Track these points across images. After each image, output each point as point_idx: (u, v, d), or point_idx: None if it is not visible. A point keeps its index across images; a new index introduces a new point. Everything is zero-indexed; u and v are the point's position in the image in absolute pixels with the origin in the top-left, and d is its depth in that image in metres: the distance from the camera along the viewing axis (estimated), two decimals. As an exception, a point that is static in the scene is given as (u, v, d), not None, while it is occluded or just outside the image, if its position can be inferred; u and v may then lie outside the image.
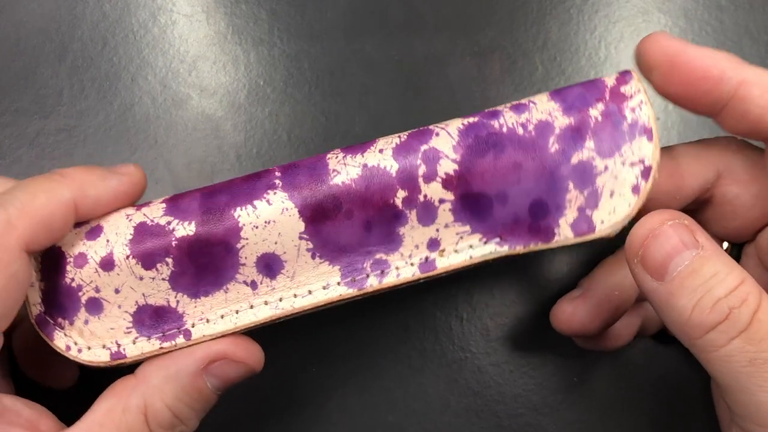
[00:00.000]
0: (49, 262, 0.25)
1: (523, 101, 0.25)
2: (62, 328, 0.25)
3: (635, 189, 0.24)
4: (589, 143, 0.24)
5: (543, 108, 0.25)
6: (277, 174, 0.25)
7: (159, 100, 0.35)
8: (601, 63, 0.35)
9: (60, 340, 0.25)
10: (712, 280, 0.22)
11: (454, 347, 0.32)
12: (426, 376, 0.32)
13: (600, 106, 0.25)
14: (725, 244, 0.29)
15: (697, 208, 0.28)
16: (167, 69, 0.35)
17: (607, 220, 0.24)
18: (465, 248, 0.26)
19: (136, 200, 0.26)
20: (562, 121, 0.25)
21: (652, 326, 0.31)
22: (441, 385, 0.32)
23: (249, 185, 0.25)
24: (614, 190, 0.24)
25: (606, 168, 0.24)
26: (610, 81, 0.25)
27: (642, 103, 0.24)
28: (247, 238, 0.25)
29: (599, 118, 0.25)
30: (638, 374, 0.32)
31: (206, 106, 0.35)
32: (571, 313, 0.29)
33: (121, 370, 0.25)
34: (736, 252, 0.29)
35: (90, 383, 0.28)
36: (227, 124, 0.34)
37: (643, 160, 0.24)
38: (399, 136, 0.25)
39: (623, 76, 0.25)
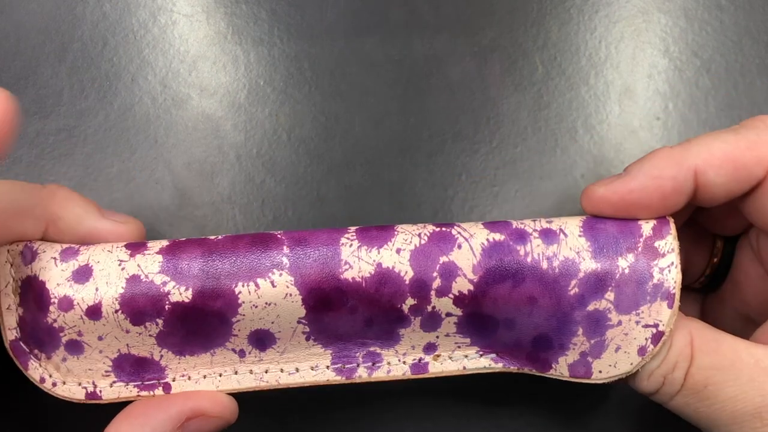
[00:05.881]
0: (31, 293, 0.24)
1: (553, 227, 0.25)
2: (38, 359, 0.25)
3: (641, 350, 0.24)
4: (610, 295, 0.24)
5: (573, 244, 0.24)
6: (285, 250, 0.24)
7: (159, 100, 0.35)
8: (602, 63, 0.35)
9: (35, 371, 0.25)
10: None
11: (454, 347, 0.32)
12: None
13: (630, 257, 0.24)
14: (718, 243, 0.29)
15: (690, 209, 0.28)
16: (167, 69, 0.35)
17: (605, 371, 0.24)
18: (460, 357, 0.26)
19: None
20: (588, 264, 0.24)
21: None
22: (441, 385, 0.32)
23: (254, 256, 0.24)
24: (621, 346, 0.24)
25: (619, 323, 0.24)
26: (646, 229, 0.24)
27: (672, 266, 0.24)
28: (244, 315, 0.24)
29: (626, 272, 0.24)
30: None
31: (206, 106, 0.35)
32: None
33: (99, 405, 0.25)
34: (729, 247, 0.29)
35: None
36: (227, 124, 0.34)
37: (658, 324, 0.23)
38: (420, 234, 0.24)
39: (660, 228, 0.24)
